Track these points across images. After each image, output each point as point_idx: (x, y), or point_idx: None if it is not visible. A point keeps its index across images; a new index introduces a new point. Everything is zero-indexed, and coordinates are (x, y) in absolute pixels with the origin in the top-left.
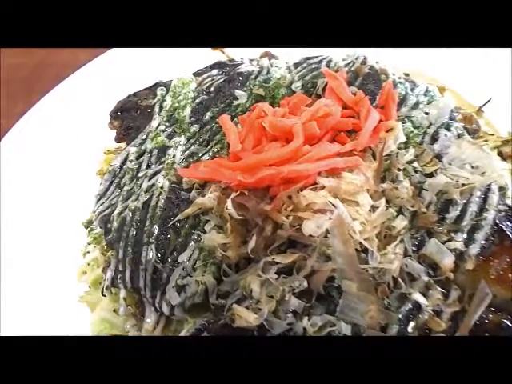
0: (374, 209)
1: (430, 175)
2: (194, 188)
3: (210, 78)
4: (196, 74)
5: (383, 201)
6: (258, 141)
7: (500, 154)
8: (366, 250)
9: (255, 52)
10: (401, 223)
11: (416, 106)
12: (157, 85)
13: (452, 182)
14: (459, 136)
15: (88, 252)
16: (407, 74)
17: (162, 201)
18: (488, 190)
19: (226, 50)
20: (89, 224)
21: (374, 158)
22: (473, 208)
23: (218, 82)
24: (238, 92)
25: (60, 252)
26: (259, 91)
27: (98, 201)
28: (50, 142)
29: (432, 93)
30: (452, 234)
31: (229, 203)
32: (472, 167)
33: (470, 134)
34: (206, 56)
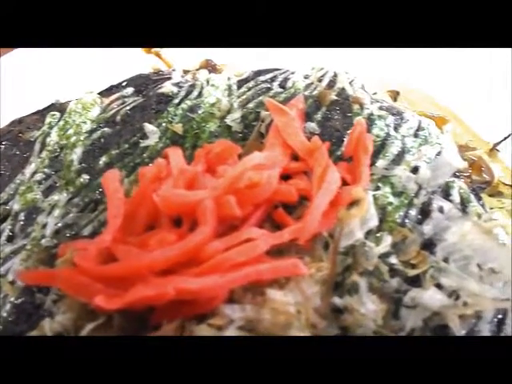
0: None
1: (415, 281)
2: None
3: (119, 101)
4: (104, 94)
5: None
6: (152, 219)
7: None
8: None
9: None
10: None
11: (401, 157)
12: (51, 107)
13: (450, 301)
14: (463, 203)
15: None
16: (397, 93)
17: (8, 306)
18: (505, 311)
19: (165, 53)
20: None
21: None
22: None
23: (128, 107)
24: (148, 127)
25: None
26: (176, 127)
27: None
28: None
29: (427, 131)
30: None
31: None
32: (481, 269)
33: (479, 197)
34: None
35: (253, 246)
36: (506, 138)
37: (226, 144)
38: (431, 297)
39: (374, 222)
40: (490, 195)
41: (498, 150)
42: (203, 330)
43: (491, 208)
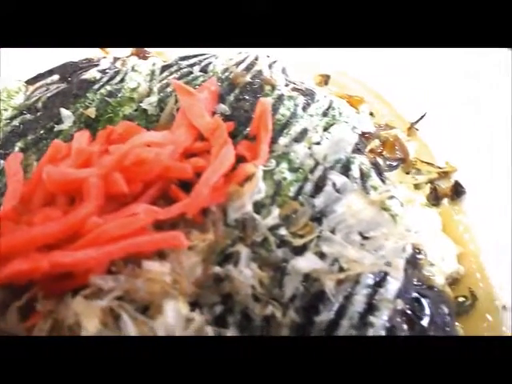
0: (188, 323)
1: (301, 250)
2: None
3: (43, 88)
4: (31, 82)
5: (201, 321)
6: (49, 199)
7: (434, 190)
8: None
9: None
10: None
11: (303, 134)
12: None
13: (324, 266)
14: (363, 178)
15: None
16: (328, 77)
17: None
18: (383, 277)
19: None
20: None
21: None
22: (355, 307)
23: (50, 94)
24: (63, 112)
25: None
26: (89, 112)
27: None
28: None
29: (337, 110)
30: None
31: None
32: (364, 238)
33: (380, 173)
34: None
35: (132, 220)
36: (422, 118)
37: (129, 125)
38: (305, 262)
39: (260, 195)
40: (408, 172)
41: (416, 129)
42: (78, 302)
43: (401, 182)
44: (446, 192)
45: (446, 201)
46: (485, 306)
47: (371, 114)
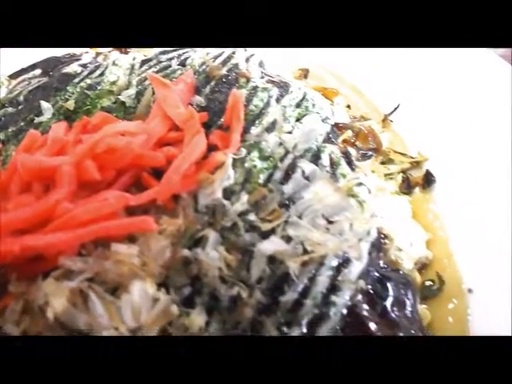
0: (154, 302)
1: (269, 234)
2: None
3: (25, 82)
4: (13, 76)
5: (166, 300)
6: (26, 187)
7: (407, 179)
8: None
9: None
10: (198, 322)
11: (275, 124)
12: None
13: (288, 247)
14: (333, 166)
15: None
16: (307, 71)
17: None
18: (347, 259)
19: None
20: None
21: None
22: (318, 288)
23: (31, 87)
24: (43, 104)
25: None
26: (68, 104)
27: None
28: None
29: (310, 102)
30: (285, 329)
31: None
32: (329, 222)
33: (350, 162)
34: None
35: (102, 205)
36: (395, 109)
37: (104, 116)
38: (269, 245)
39: (229, 182)
40: (383, 162)
41: (390, 121)
42: (49, 283)
43: (373, 172)
44: (418, 181)
45: (417, 189)
46: (451, 289)
47: (348, 106)
